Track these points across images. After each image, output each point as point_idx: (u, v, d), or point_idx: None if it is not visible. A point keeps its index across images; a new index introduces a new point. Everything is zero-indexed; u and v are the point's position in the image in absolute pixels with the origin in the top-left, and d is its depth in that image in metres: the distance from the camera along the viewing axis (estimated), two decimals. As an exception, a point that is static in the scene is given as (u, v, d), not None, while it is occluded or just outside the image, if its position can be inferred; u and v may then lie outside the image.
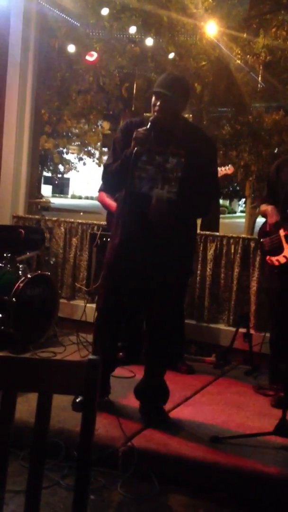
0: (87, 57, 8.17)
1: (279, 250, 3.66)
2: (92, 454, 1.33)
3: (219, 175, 4.26)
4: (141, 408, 3.25)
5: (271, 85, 11.08)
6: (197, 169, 2.94)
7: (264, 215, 3.86)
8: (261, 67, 10.20)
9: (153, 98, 3.00)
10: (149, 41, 8.63)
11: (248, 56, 9.52)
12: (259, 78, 10.69)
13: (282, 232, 3.64)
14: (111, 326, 3.29)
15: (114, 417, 3.14)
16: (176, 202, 2.96)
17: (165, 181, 2.96)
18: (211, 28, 7.98)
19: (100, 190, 4.39)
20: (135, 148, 2.88)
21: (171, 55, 9.18)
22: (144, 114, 3.08)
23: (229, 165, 4.33)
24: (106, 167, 3.15)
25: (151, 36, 8.63)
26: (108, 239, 3.47)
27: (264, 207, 3.84)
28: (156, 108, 2.96)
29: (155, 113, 2.96)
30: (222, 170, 4.22)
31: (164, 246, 3.01)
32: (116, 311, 3.26)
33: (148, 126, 2.90)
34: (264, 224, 3.84)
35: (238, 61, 9.65)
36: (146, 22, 8.63)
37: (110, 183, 3.27)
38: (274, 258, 3.69)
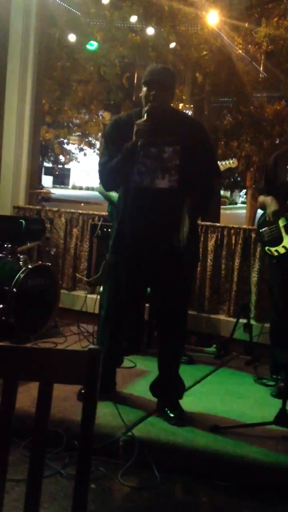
0: (88, 46, 8.14)
1: (278, 240, 3.65)
2: (93, 444, 1.34)
3: (223, 168, 4.25)
4: (157, 405, 3.23)
5: (273, 75, 11.03)
6: (194, 153, 2.99)
7: (262, 206, 3.84)
8: (262, 57, 10.14)
9: (145, 89, 2.99)
10: (150, 31, 8.58)
11: (249, 45, 9.47)
12: (261, 68, 10.64)
13: (281, 223, 3.63)
14: (119, 321, 3.29)
15: (115, 406, 3.15)
16: (178, 190, 2.98)
17: (165, 170, 2.98)
18: (213, 18, 7.92)
19: (103, 186, 4.38)
20: (139, 141, 2.89)
21: (172, 45, 9.13)
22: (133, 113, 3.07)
23: (234, 159, 4.32)
24: (103, 165, 3.10)
25: (152, 26, 8.58)
26: (110, 232, 3.45)
27: (262, 198, 3.82)
28: (151, 98, 2.95)
29: (149, 104, 2.94)
30: (226, 164, 4.21)
31: (170, 235, 3.01)
32: (123, 308, 3.25)
33: (145, 118, 2.91)
34: (263, 215, 3.83)
35: (240, 51, 9.59)
36: (147, 11, 8.58)
37: (109, 180, 3.19)
38: (273, 249, 3.70)
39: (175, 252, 3.02)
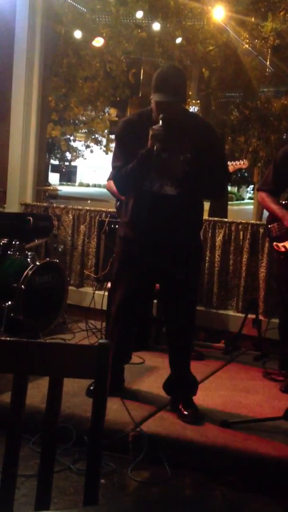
0: (94, 42, 8.13)
1: (286, 236, 3.64)
2: (103, 439, 1.34)
3: (233, 168, 4.23)
4: (171, 402, 3.22)
5: (280, 69, 10.97)
6: (204, 161, 2.95)
7: (268, 210, 3.81)
8: (269, 51, 10.09)
9: (157, 97, 2.88)
10: (156, 26, 8.55)
11: (256, 40, 9.41)
12: (267, 63, 10.58)
13: None
14: (129, 317, 3.29)
15: (124, 402, 3.16)
16: (185, 197, 2.99)
17: (174, 177, 2.97)
18: (219, 12, 7.87)
19: (108, 179, 4.38)
20: (155, 145, 2.83)
21: (178, 40, 9.10)
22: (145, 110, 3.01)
23: (244, 160, 4.31)
24: (118, 169, 3.06)
25: (158, 21, 8.55)
26: (116, 233, 3.44)
27: (271, 204, 3.76)
28: (165, 106, 2.87)
29: (164, 113, 2.85)
30: (236, 164, 4.19)
31: (176, 239, 3.05)
32: (133, 305, 3.26)
33: (161, 123, 2.84)
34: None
35: (246, 46, 9.54)
36: (153, 7, 8.55)
37: (124, 185, 3.13)
38: (280, 244, 3.69)
39: (181, 252, 3.07)
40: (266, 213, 3.96)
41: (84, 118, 21.38)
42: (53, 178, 39.22)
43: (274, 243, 3.76)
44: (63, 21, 8.40)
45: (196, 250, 3.24)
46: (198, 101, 13.30)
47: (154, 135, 2.84)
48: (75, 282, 5.38)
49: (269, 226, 3.80)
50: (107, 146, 26.97)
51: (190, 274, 3.16)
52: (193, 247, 3.18)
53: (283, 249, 3.68)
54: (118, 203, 4.39)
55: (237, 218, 5.16)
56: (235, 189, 37.14)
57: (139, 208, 3.06)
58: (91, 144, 27.64)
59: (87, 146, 28.38)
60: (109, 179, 4.38)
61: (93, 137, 26.33)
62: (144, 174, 2.93)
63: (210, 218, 4.96)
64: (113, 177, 3.15)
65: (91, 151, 28.92)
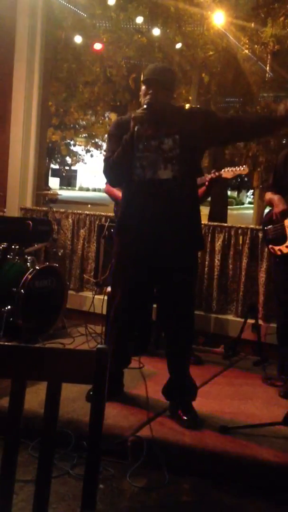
0: (95, 46, 8.15)
1: (282, 239, 3.65)
2: (102, 444, 1.33)
3: (233, 174, 4.24)
4: (170, 407, 3.22)
5: (279, 74, 10.99)
6: (196, 138, 3.02)
7: (269, 204, 3.85)
8: (269, 57, 10.11)
9: (144, 88, 3.04)
10: (156, 32, 8.58)
11: (256, 45, 9.43)
12: (267, 68, 10.60)
13: (286, 222, 3.63)
14: (128, 321, 3.28)
15: (123, 407, 3.15)
16: (180, 179, 2.99)
17: (166, 161, 2.99)
18: (219, 18, 7.90)
19: (107, 182, 4.38)
20: (136, 126, 2.96)
21: (178, 45, 9.12)
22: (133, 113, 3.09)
23: (244, 166, 4.32)
24: (106, 160, 3.15)
25: (158, 26, 8.58)
26: (114, 234, 3.44)
27: (270, 195, 3.82)
28: (148, 96, 3.00)
29: (148, 100, 2.99)
30: (237, 170, 4.20)
31: (175, 227, 3.01)
32: (132, 305, 3.25)
33: (145, 107, 2.97)
34: (269, 212, 3.83)
35: (246, 51, 9.56)
36: (153, 12, 8.57)
37: (112, 174, 3.21)
38: (276, 247, 3.69)
39: (180, 242, 3.03)
40: (264, 215, 3.99)
41: (84, 122, 21.40)
42: (53, 182, 39.29)
43: (270, 246, 3.77)
44: (64, 26, 8.43)
45: (195, 235, 3.20)
46: (198, 106, 13.33)
47: (135, 117, 2.97)
48: (74, 286, 5.38)
49: (265, 228, 3.82)
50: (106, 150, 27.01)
51: (188, 277, 3.15)
52: (191, 248, 3.17)
53: (279, 253, 3.69)
54: (116, 207, 4.40)
55: (236, 222, 5.16)
56: (235, 194, 37.20)
57: (134, 198, 3.07)
58: (91, 149, 27.70)
59: (87, 151, 28.44)
60: (107, 182, 4.37)
61: (93, 141, 26.38)
62: (129, 159, 3.01)
63: (209, 223, 4.96)
64: (103, 168, 3.19)
65: (91, 156, 29.00)
